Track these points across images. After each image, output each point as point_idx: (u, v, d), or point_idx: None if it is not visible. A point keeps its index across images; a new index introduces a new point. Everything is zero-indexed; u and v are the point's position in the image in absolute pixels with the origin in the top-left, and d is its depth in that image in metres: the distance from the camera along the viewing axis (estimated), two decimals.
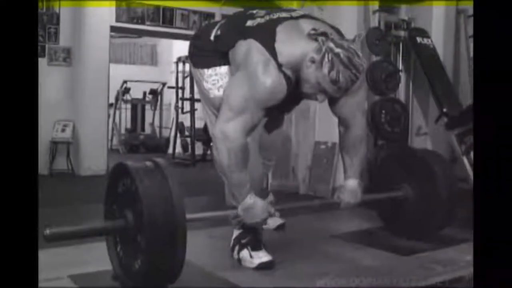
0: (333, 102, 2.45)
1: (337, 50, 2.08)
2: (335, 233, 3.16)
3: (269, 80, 2.16)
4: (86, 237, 2.19)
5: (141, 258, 2.03)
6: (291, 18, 2.34)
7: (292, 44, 2.20)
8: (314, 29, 2.18)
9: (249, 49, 2.22)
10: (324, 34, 2.15)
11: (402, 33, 5.38)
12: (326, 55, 2.08)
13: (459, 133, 4.75)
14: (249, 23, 2.32)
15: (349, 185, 2.57)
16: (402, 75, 5.52)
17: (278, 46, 2.18)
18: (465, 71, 5.73)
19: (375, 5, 4.77)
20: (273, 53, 2.17)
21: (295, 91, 2.27)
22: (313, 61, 2.12)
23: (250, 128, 2.25)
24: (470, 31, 5.71)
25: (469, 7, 5.68)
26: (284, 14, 2.36)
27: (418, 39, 5.21)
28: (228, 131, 2.18)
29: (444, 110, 4.83)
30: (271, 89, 2.17)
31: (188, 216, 2.07)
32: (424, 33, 5.30)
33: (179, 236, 1.99)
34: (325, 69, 2.09)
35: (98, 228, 2.16)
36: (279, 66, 2.17)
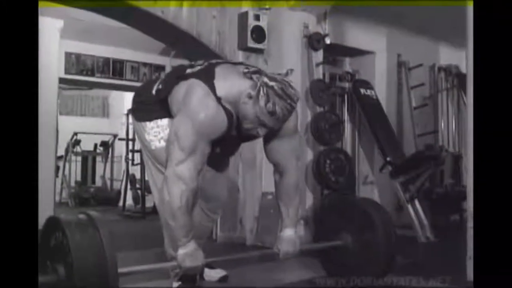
0: (268, 147, 2.55)
1: (271, 83, 2.19)
2: (279, 283, 3.15)
3: (208, 111, 2.25)
4: None
5: None
6: (229, 63, 2.54)
7: (230, 81, 2.32)
8: (247, 68, 2.32)
9: (189, 86, 2.33)
10: (257, 72, 2.27)
11: (346, 85, 5.55)
12: (262, 89, 2.19)
13: (403, 181, 4.87)
14: (189, 70, 2.45)
15: (286, 235, 2.60)
16: (348, 125, 5.67)
17: (217, 82, 2.31)
18: (408, 121, 5.93)
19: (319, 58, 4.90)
20: (211, 87, 2.28)
21: (237, 129, 2.37)
22: (250, 97, 2.22)
23: (201, 168, 2.31)
24: (411, 83, 5.95)
25: (409, 60, 5.95)
26: (222, 61, 2.56)
27: (362, 91, 5.38)
28: (182, 173, 2.22)
29: (388, 159, 4.95)
30: (211, 120, 2.26)
31: (121, 270, 2.04)
32: (367, 85, 5.48)
33: None
34: (262, 102, 2.19)
35: None
36: (218, 99, 2.27)
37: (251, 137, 2.46)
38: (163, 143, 2.49)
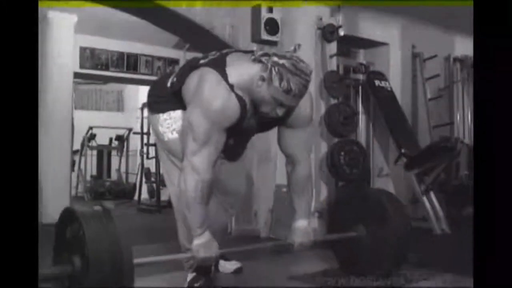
0: (281, 138, 2.56)
1: (282, 61, 2.18)
2: (294, 274, 3.15)
3: (220, 99, 2.26)
4: None
5: None
6: (241, 51, 2.55)
7: (241, 68, 2.32)
8: (253, 54, 2.31)
9: (201, 75, 2.35)
10: (265, 54, 2.26)
11: (360, 76, 5.52)
12: (273, 69, 2.17)
13: (418, 173, 4.84)
14: (202, 61, 2.46)
15: (299, 226, 2.61)
16: (362, 117, 5.64)
17: (229, 69, 2.32)
18: (422, 113, 5.88)
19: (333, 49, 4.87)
20: (223, 75, 2.30)
21: (254, 116, 2.38)
22: (263, 79, 2.21)
23: (216, 159, 2.33)
24: (426, 74, 5.90)
25: (424, 51, 5.90)
26: (233, 50, 2.58)
27: (376, 82, 5.35)
28: (196, 164, 2.26)
29: (403, 151, 4.92)
30: (223, 108, 2.27)
31: (136, 260, 2.06)
32: (382, 76, 5.45)
33: (126, 280, 1.97)
34: (276, 82, 2.17)
35: (43, 275, 2.10)
36: (231, 86, 2.28)
37: (270, 124, 2.47)
38: (175, 135, 2.54)
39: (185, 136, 2.35)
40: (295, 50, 2.27)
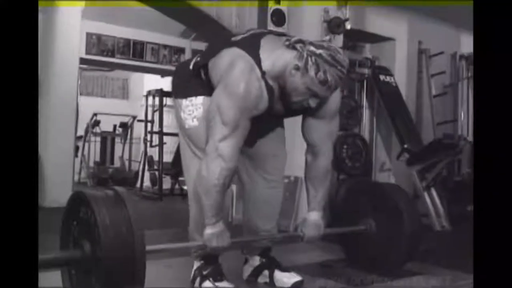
0: (306, 127, 2.49)
1: (319, 51, 2.12)
2: (296, 264, 3.17)
3: (251, 87, 2.18)
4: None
5: None
6: (273, 33, 2.47)
7: (275, 53, 2.24)
8: (288, 40, 2.24)
9: (233, 56, 2.25)
10: (300, 41, 2.20)
11: (366, 71, 5.54)
12: (310, 59, 2.12)
13: (420, 169, 4.87)
14: (233, 38, 2.39)
15: (312, 218, 2.58)
16: (366, 112, 5.66)
17: (262, 53, 2.24)
18: (427, 109, 5.90)
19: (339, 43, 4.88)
20: (257, 59, 2.22)
21: (283, 104, 2.31)
22: (297, 68, 2.15)
23: (241, 146, 2.26)
24: (432, 71, 5.91)
25: (430, 47, 5.91)
26: (267, 31, 2.50)
27: (381, 77, 5.38)
28: (224, 150, 2.17)
29: (405, 146, 4.95)
30: (254, 96, 2.19)
31: (149, 247, 2.03)
32: (387, 71, 5.47)
33: (138, 268, 1.95)
34: (312, 72, 2.12)
35: (49, 259, 2.08)
36: (263, 73, 2.21)
37: (296, 111, 2.38)
38: (196, 122, 2.42)
39: (211, 119, 2.23)
40: (330, 40, 2.22)
